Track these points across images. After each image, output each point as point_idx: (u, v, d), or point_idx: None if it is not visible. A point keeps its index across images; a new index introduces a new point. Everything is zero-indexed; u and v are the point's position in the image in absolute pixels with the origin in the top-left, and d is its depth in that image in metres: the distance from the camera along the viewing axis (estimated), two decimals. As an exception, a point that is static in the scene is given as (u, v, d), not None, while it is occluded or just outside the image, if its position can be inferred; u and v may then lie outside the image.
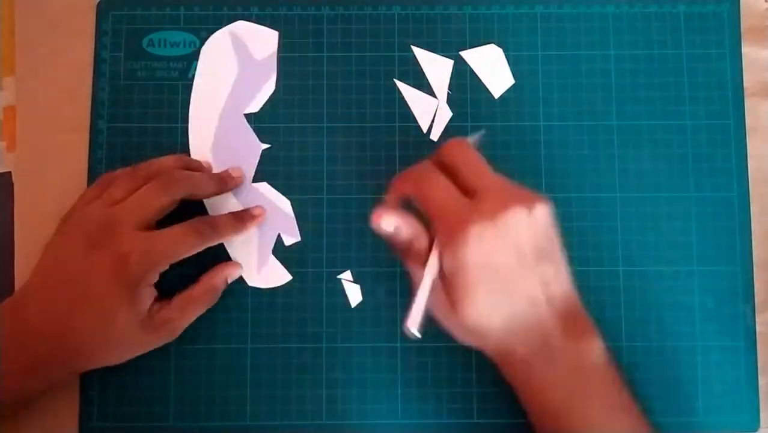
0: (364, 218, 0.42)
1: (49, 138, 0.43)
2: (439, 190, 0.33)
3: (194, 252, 0.38)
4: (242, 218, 0.41)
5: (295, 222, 0.42)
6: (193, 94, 0.43)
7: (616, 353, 0.41)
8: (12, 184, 0.43)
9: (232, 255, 0.41)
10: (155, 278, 0.37)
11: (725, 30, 0.44)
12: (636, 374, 0.41)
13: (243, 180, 0.42)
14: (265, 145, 0.42)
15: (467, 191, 0.33)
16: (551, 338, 0.33)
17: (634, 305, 0.42)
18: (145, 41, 0.44)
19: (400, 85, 0.43)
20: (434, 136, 0.43)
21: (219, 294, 0.40)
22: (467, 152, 0.35)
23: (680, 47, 0.44)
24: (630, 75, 0.43)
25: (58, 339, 0.36)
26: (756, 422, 0.41)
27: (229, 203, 0.42)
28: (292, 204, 0.42)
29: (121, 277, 0.35)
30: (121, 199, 0.37)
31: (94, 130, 0.43)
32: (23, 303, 0.37)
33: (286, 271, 0.42)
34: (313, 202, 0.42)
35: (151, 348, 0.38)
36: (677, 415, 0.41)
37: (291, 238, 0.42)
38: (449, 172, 0.34)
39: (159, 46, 0.43)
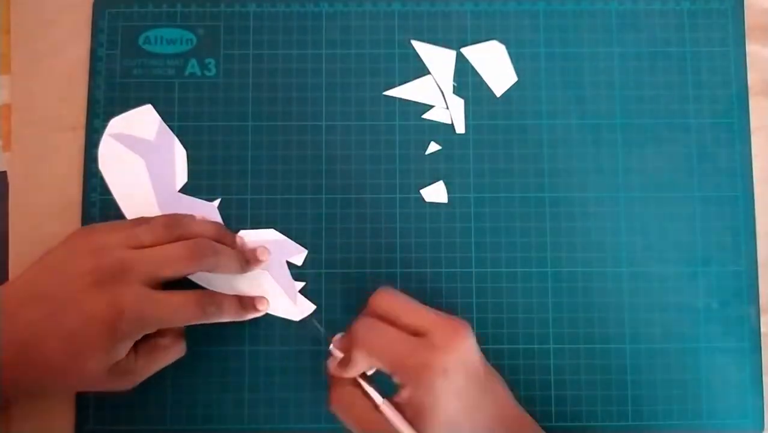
0: (364, 218, 0.42)
1: (44, 137, 0.42)
2: (390, 340, 0.34)
3: (189, 324, 0.37)
4: (246, 306, 0.40)
5: (292, 241, 0.42)
6: (114, 192, 0.42)
7: (619, 355, 0.41)
8: (7, 184, 0.42)
9: (259, 292, 0.41)
10: (140, 337, 0.36)
11: (729, 28, 0.43)
12: (640, 375, 0.41)
13: (266, 263, 0.41)
14: (216, 202, 0.42)
15: (413, 333, 0.34)
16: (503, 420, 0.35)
17: (638, 306, 0.41)
18: (141, 39, 0.43)
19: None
20: (459, 128, 0.43)
21: (183, 349, 0.39)
22: (399, 298, 0.36)
23: (684, 45, 0.43)
24: (633, 73, 0.43)
25: (26, 360, 0.34)
26: (760, 423, 0.41)
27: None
28: (291, 204, 0.42)
29: (109, 329, 0.34)
30: (145, 246, 0.36)
31: (90, 129, 0.42)
32: (8, 305, 0.35)
33: (309, 302, 0.42)
34: (312, 202, 0.42)
35: (107, 389, 0.37)
36: (682, 417, 0.41)
37: (299, 256, 0.42)
38: (388, 320, 0.35)
39: (155, 43, 0.43)
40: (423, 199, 0.42)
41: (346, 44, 0.43)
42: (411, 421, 0.33)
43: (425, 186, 0.42)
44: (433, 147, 0.43)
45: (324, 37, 0.43)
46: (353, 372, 0.35)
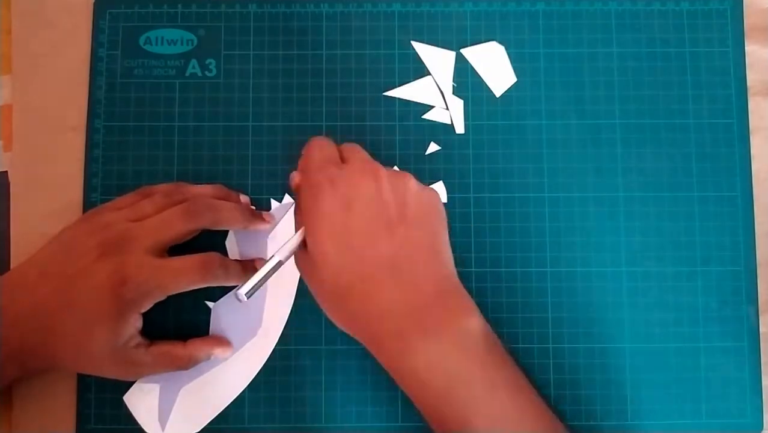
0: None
1: (45, 137, 0.42)
2: (318, 148, 0.37)
3: (198, 287, 0.37)
4: (248, 269, 0.40)
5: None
6: None
7: (619, 355, 0.41)
8: (8, 184, 0.42)
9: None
10: (148, 306, 0.36)
11: (728, 28, 0.44)
12: (639, 375, 0.41)
13: (272, 224, 0.41)
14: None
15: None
16: (428, 315, 0.33)
17: (637, 306, 0.41)
18: (142, 39, 0.43)
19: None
20: (459, 129, 0.43)
21: (196, 365, 0.39)
22: (325, 141, 0.38)
23: (683, 45, 0.43)
24: (633, 73, 0.43)
25: (39, 335, 0.35)
26: (759, 423, 0.41)
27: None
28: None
29: (115, 296, 0.35)
30: (148, 216, 0.37)
31: (90, 129, 0.42)
32: (20, 285, 0.36)
33: None
34: (312, 202, 0.42)
35: (109, 377, 0.38)
36: (681, 416, 0.41)
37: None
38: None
39: (156, 44, 0.43)
40: (423, 199, 0.42)
41: (347, 45, 0.43)
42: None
43: (425, 186, 0.42)
44: (433, 147, 0.43)
45: (324, 38, 0.43)
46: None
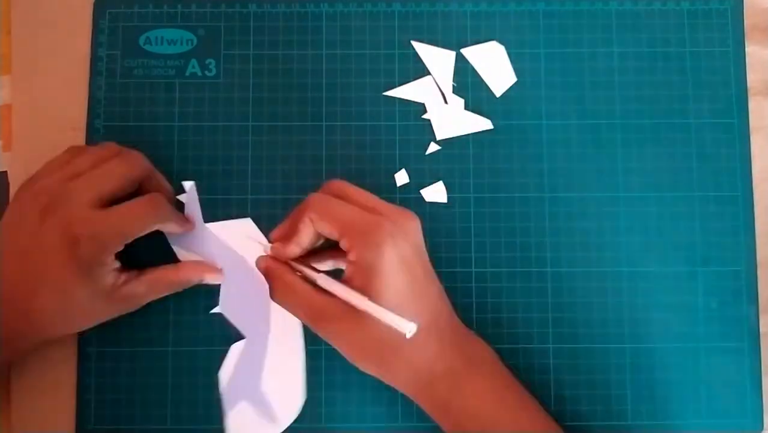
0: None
1: (45, 137, 0.42)
2: (341, 207, 0.35)
3: (147, 231, 0.37)
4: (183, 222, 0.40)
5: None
6: None
7: (619, 355, 0.41)
8: (8, 184, 0.42)
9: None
10: (111, 257, 0.36)
11: (729, 28, 0.44)
12: (639, 375, 0.41)
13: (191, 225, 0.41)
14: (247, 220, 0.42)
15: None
16: (441, 314, 0.36)
17: (638, 306, 0.41)
18: (141, 39, 0.43)
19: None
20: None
21: (188, 286, 0.39)
22: (353, 187, 0.37)
23: (684, 45, 0.43)
24: (633, 73, 0.43)
25: (21, 315, 0.35)
26: (759, 423, 0.41)
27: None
28: (291, 204, 0.42)
29: (73, 257, 0.35)
30: (82, 173, 0.36)
31: (90, 129, 0.42)
32: None
33: None
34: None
35: (114, 316, 0.38)
36: (681, 416, 0.41)
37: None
38: (342, 199, 0.36)
39: (156, 43, 0.43)
40: (423, 199, 0.42)
41: (347, 45, 0.43)
42: (360, 289, 0.33)
43: (425, 186, 0.42)
44: (433, 147, 0.43)
45: (324, 38, 0.43)
46: (295, 246, 0.35)
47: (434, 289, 0.36)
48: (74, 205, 0.35)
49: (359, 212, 0.35)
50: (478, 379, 0.35)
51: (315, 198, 0.36)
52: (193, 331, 0.40)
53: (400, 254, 0.34)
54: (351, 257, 0.34)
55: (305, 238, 0.35)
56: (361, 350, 0.35)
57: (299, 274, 0.36)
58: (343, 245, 0.34)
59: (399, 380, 0.36)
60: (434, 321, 0.35)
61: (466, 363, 0.35)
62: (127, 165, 0.37)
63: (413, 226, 0.36)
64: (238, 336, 0.40)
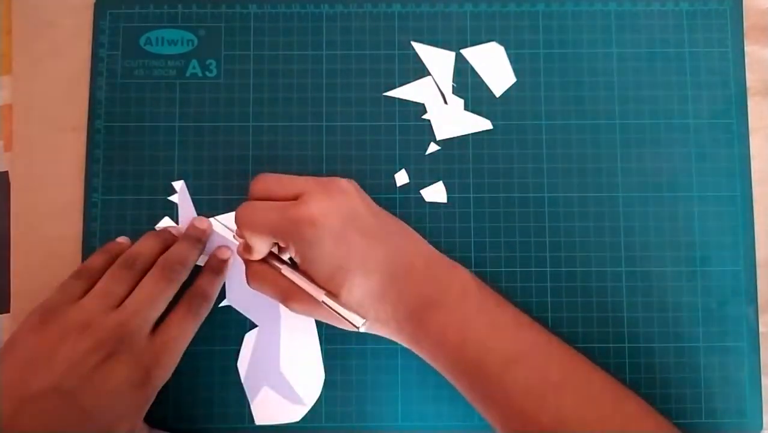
0: (364, 217, 0.42)
1: (46, 137, 0.42)
2: (263, 212, 0.36)
3: (202, 320, 0.39)
4: (217, 270, 0.40)
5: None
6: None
7: (619, 354, 0.41)
8: (9, 184, 0.42)
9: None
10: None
11: (728, 28, 0.44)
12: (639, 375, 0.41)
13: (208, 228, 0.41)
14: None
15: (292, 200, 0.36)
16: (405, 254, 0.36)
17: (637, 305, 0.41)
18: (142, 39, 0.43)
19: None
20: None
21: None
22: (272, 175, 0.37)
23: (683, 45, 0.43)
24: (632, 73, 0.43)
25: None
26: (759, 423, 0.41)
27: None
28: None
29: (140, 391, 0.34)
30: (124, 297, 0.36)
31: (91, 129, 0.42)
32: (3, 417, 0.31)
33: None
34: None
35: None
36: (680, 416, 0.41)
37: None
38: (266, 198, 0.37)
39: (156, 44, 0.43)
40: (423, 199, 0.42)
41: (347, 45, 0.43)
42: (310, 279, 0.36)
43: (425, 186, 0.42)
44: (433, 147, 0.43)
45: (324, 38, 0.43)
46: (256, 255, 0.37)
47: (387, 236, 0.36)
48: (137, 339, 0.35)
49: (280, 211, 0.35)
50: (462, 306, 0.36)
51: (239, 212, 0.36)
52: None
53: (328, 235, 0.34)
54: (291, 253, 0.36)
55: (257, 248, 0.37)
56: (336, 321, 0.36)
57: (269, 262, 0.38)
58: (282, 246, 0.36)
59: (375, 328, 0.37)
60: (399, 264, 0.36)
61: (443, 294, 0.36)
62: (168, 282, 0.37)
63: (338, 195, 0.36)
64: (251, 325, 0.41)
